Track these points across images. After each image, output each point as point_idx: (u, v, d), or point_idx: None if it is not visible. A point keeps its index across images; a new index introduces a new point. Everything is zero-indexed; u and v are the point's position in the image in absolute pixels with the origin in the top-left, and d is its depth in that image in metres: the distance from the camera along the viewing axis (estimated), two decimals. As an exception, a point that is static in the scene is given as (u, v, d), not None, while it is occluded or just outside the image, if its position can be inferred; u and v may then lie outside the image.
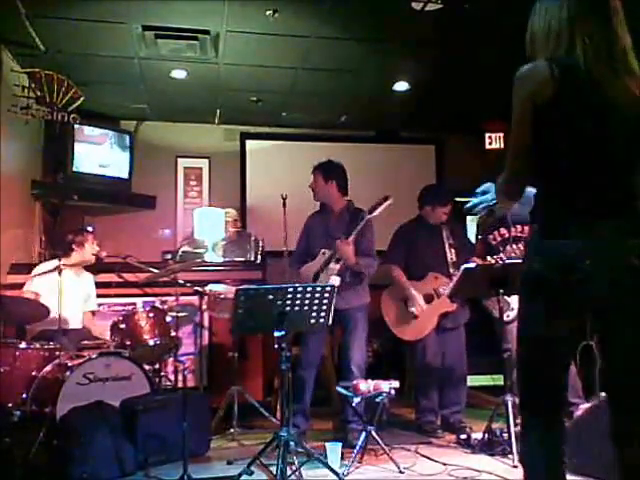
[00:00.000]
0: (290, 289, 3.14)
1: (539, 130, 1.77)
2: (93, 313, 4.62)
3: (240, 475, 3.15)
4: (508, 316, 3.93)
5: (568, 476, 2.90)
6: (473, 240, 4.65)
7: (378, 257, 4.23)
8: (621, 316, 1.77)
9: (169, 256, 5.31)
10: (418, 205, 4.50)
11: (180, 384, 4.25)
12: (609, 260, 1.72)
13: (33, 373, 3.66)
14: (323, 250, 4.03)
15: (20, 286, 4.42)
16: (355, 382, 3.68)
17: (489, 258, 3.86)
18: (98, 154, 5.95)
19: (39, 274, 4.16)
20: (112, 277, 4.86)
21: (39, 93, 4.58)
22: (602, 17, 1.80)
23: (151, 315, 4.20)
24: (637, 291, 1.74)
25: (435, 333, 4.26)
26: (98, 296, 4.68)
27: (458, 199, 6.99)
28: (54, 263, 3.99)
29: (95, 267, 4.58)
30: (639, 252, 1.73)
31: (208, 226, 5.49)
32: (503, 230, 4.17)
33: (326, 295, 3.22)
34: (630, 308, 1.75)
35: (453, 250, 4.34)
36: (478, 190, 2.21)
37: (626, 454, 1.79)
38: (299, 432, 3.80)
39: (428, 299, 4.28)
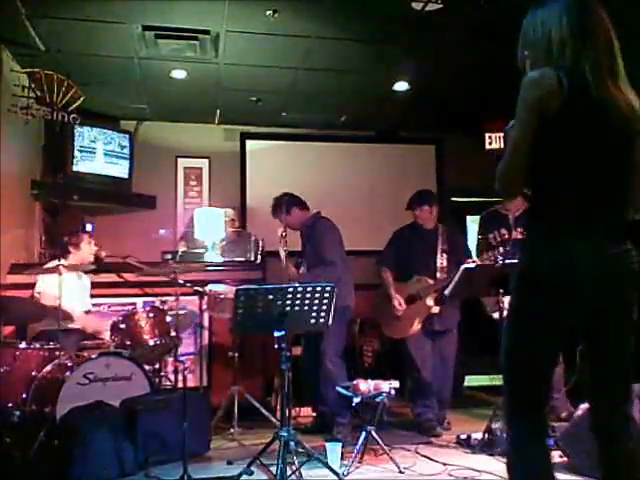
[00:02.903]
0: (290, 289, 3.14)
1: (545, 136, 1.79)
2: (88, 312, 4.61)
3: (240, 475, 3.16)
4: None
5: (568, 476, 2.91)
6: (475, 238, 4.68)
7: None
8: (608, 321, 1.84)
9: (169, 256, 5.31)
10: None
11: (180, 384, 4.25)
12: (600, 265, 1.78)
13: (33, 373, 3.67)
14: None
15: (20, 286, 4.43)
16: (355, 382, 3.69)
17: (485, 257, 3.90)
18: (98, 154, 5.95)
19: (43, 272, 4.17)
20: (112, 277, 4.87)
21: (39, 93, 4.57)
22: (599, 32, 1.84)
23: (151, 315, 4.20)
24: (625, 297, 1.82)
25: (425, 334, 4.37)
26: (98, 296, 4.68)
27: (457, 199, 7.03)
28: (55, 264, 3.99)
29: (95, 267, 4.57)
30: (627, 261, 1.81)
31: (208, 226, 5.50)
32: (504, 231, 4.22)
33: (326, 295, 3.22)
34: (616, 314, 1.83)
35: (445, 255, 4.47)
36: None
37: (608, 450, 1.86)
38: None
39: (411, 300, 4.41)
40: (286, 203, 4.39)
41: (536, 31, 1.91)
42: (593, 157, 1.80)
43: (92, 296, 4.66)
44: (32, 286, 4.33)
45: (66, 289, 3.96)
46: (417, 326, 4.34)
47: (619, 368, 1.88)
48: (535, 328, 1.84)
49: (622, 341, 1.86)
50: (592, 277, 1.78)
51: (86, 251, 4.47)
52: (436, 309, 4.32)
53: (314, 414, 4.52)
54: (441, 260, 4.44)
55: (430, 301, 4.31)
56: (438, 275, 4.39)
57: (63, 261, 4.09)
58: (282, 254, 4.40)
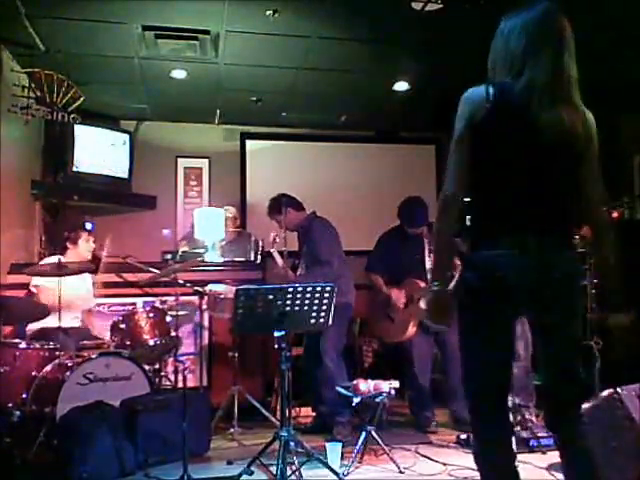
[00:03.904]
0: (290, 289, 3.14)
1: (474, 147, 1.86)
2: (90, 312, 4.61)
3: (240, 475, 3.16)
4: None
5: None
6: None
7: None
8: (547, 322, 1.90)
9: (169, 256, 5.31)
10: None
11: (180, 384, 4.25)
12: (534, 273, 1.83)
13: (33, 373, 3.66)
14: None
15: (20, 286, 4.43)
16: (355, 382, 3.69)
17: None
18: (98, 154, 5.95)
19: (45, 269, 4.16)
20: (112, 277, 4.86)
21: (39, 93, 4.57)
22: (553, 49, 1.88)
23: (151, 315, 4.20)
24: (559, 301, 1.87)
25: (425, 334, 4.36)
26: (98, 296, 4.67)
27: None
28: (54, 260, 3.98)
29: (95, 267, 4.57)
30: (562, 266, 1.86)
31: (208, 226, 5.49)
32: None
33: (326, 295, 3.21)
34: (553, 315, 1.88)
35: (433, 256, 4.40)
36: None
37: (562, 439, 1.93)
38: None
39: (405, 304, 4.42)
40: (282, 204, 4.39)
41: (500, 42, 1.97)
42: (522, 169, 1.84)
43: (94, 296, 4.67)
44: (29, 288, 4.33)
45: (64, 283, 3.95)
46: (412, 329, 4.33)
47: (566, 371, 1.92)
48: (481, 336, 1.90)
49: (566, 345, 1.91)
50: (525, 286, 1.83)
51: (84, 248, 4.47)
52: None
53: (314, 414, 4.52)
54: (430, 262, 4.41)
55: (423, 304, 4.27)
56: (429, 277, 4.35)
57: (62, 258, 4.09)
58: (277, 256, 4.43)
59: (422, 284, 4.34)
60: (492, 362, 1.91)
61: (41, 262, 4.31)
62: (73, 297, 4.29)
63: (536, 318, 1.95)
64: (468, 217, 1.93)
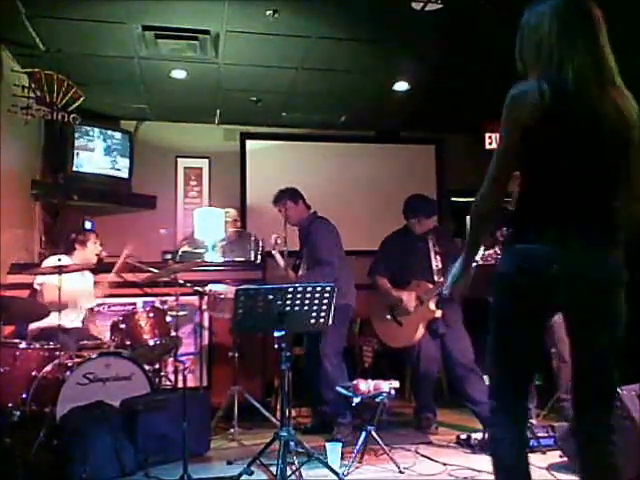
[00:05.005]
0: (290, 289, 3.14)
1: (529, 145, 1.80)
2: (92, 311, 4.61)
3: (240, 475, 3.16)
4: None
5: (568, 476, 2.91)
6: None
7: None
8: (584, 321, 1.85)
9: (169, 256, 5.31)
10: (404, 216, 4.54)
11: (180, 384, 4.26)
12: (575, 270, 1.78)
13: (33, 373, 3.66)
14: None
15: (20, 286, 4.42)
16: (355, 382, 3.69)
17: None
18: (98, 154, 5.95)
19: (47, 270, 4.16)
20: (112, 277, 4.86)
21: (39, 93, 4.57)
22: (588, 35, 1.82)
23: (151, 315, 4.20)
24: (599, 298, 1.81)
25: (431, 338, 4.30)
26: (97, 297, 4.67)
27: (457, 199, 7.02)
28: (55, 262, 3.98)
29: (95, 267, 4.57)
30: (607, 266, 1.81)
31: (208, 226, 5.49)
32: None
33: (326, 295, 3.21)
34: (592, 314, 1.83)
35: (439, 257, 4.41)
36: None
37: (587, 452, 1.89)
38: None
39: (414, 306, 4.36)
40: (289, 195, 4.43)
41: (529, 34, 1.90)
42: (574, 165, 1.80)
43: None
44: (32, 286, 4.33)
45: (69, 281, 3.95)
46: (421, 331, 4.26)
47: (602, 378, 1.87)
48: (515, 330, 1.86)
49: (602, 353, 1.84)
50: (564, 282, 1.78)
51: (91, 250, 4.49)
52: (439, 312, 4.25)
53: (314, 414, 4.52)
54: (436, 263, 4.39)
55: (432, 305, 4.25)
56: (436, 278, 4.33)
57: (65, 257, 4.09)
58: (278, 257, 4.44)
59: (430, 285, 4.29)
60: (521, 352, 1.87)
61: (43, 264, 4.30)
62: (77, 293, 4.29)
63: (572, 319, 1.88)
64: (515, 208, 1.90)
